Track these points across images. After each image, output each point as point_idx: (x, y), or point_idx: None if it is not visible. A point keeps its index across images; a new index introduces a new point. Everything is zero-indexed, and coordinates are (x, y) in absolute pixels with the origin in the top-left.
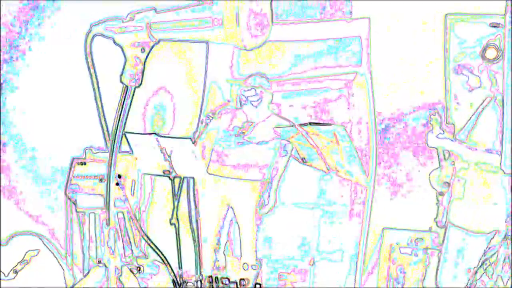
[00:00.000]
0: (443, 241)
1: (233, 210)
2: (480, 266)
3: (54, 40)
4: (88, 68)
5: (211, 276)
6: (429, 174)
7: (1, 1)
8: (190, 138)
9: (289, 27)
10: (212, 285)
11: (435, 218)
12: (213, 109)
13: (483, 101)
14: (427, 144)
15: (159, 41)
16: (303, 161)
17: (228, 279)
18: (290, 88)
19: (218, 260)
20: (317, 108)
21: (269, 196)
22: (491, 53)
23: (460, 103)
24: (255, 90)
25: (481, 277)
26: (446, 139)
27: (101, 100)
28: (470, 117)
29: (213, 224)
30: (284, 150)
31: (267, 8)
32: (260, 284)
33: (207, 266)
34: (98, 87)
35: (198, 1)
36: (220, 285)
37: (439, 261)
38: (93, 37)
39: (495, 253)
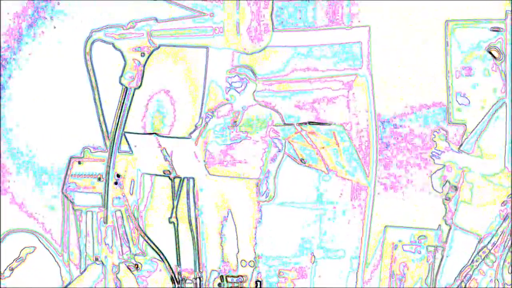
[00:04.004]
0: (446, 240)
1: (230, 208)
2: (477, 254)
3: (55, 42)
4: (88, 72)
5: (222, 276)
6: (431, 175)
7: (1, 3)
8: (189, 138)
9: (290, 33)
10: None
11: (443, 217)
12: (212, 108)
13: (495, 104)
14: (434, 161)
15: (159, 46)
16: (302, 161)
17: (233, 276)
18: (290, 88)
19: (224, 255)
20: (317, 108)
21: (267, 186)
22: (494, 53)
23: (470, 104)
24: (239, 76)
25: (478, 265)
26: (452, 151)
27: (100, 101)
28: (481, 120)
29: (216, 222)
30: (276, 147)
31: (268, 16)
32: (260, 282)
33: (210, 264)
34: (98, 89)
35: (199, 13)
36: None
37: (441, 259)
38: (93, 42)
39: (491, 241)
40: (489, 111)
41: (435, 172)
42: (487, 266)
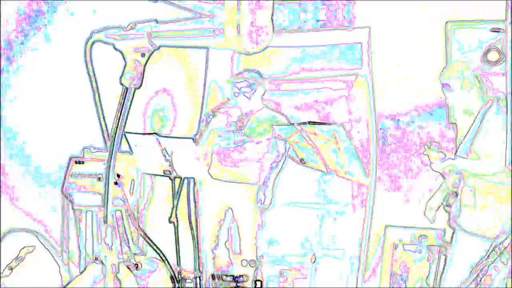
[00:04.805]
0: (451, 242)
1: (232, 210)
2: (492, 250)
3: (55, 42)
4: (88, 72)
5: (213, 274)
6: (426, 202)
7: (1, 3)
8: (192, 139)
9: (291, 35)
10: (215, 283)
11: (447, 221)
12: (213, 107)
13: (484, 105)
14: (432, 169)
15: (159, 47)
16: (302, 162)
17: (227, 275)
18: (290, 88)
19: (215, 257)
20: (317, 108)
21: (264, 194)
22: (493, 56)
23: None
24: (248, 81)
25: (494, 262)
26: (448, 159)
27: (100, 101)
28: (473, 123)
29: (213, 224)
30: (277, 151)
31: (268, 18)
32: (260, 281)
33: (208, 264)
34: (98, 89)
35: (200, 15)
36: (225, 285)
37: (445, 261)
38: (93, 43)
39: (507, 238)
40: (478, 112)
41: (430, 199)
42: (502, 263)
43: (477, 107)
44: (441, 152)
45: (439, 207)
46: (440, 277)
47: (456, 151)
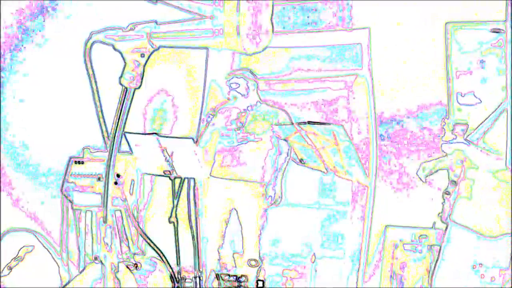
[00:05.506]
0: (443, 239)
1: (236, 210)
2: None
3: (55, 42)
4: (88, 73)
5: (217, 274)
6: (421, 163)
7: (1, 3)
8: (192, 138)
9: (291, 35)
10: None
11: (439, 213)
12: (214, 107)
13: (501, 103)
14: (442, 150)
15: (159, 48)
16: (301, 162)
17: (229, 275)
18: (290, 88)
19: (221, 258)
20: (317, 108)
21: (274, 189)
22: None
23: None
24: (236, 77)
25: None
26: (460, 143)
27: (100, 102)
28: (486, 118)
29: (218, 224)
30: (279, 150)
31: (268, 19)
32: (262, 281)
33: (210, 264)
34: (97, 90)
35: (199, 16)
36: (227, 284)
37: (437, 259)
38: (92, 44)
39: None
40: (496, 109)
41: (427, 161)
42: None
43: (498, 98)
44: (454, 134)
45: (432, 171)
46: (432, 275)
47: (466, 137)
